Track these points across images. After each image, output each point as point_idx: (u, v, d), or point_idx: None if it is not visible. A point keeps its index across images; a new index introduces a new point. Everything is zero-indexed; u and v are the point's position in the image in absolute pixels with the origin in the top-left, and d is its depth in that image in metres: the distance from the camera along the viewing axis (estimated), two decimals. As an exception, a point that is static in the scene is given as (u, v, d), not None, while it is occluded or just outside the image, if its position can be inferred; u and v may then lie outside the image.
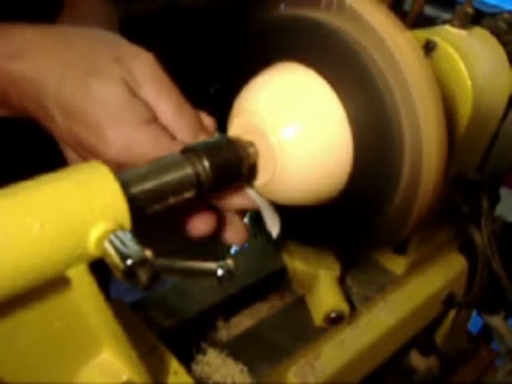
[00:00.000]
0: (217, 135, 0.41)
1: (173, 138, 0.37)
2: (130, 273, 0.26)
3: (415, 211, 0.37)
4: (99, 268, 0.29)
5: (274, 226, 0.42)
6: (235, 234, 0.41)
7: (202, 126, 0.40)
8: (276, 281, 0.58)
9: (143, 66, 0.37)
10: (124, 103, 0.35)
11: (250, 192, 0.40)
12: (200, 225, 0.39)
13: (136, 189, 0.31)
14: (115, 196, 0.28)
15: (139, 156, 0.35)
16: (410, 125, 0.35)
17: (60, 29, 0.39)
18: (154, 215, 0.33)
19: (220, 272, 0.30)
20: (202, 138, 0.39)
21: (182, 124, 0.38)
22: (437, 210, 0.39)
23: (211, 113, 0.42)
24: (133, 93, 0.36)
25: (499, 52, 0.52)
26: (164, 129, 0.37)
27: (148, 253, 0.27)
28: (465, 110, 0.48)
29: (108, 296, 0.74)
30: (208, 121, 0.41)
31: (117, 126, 0.35)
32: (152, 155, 0.34)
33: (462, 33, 0.50)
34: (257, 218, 0.59)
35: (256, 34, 0.43)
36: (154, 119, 0.37)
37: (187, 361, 0.46)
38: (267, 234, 0.43)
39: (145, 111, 0.36)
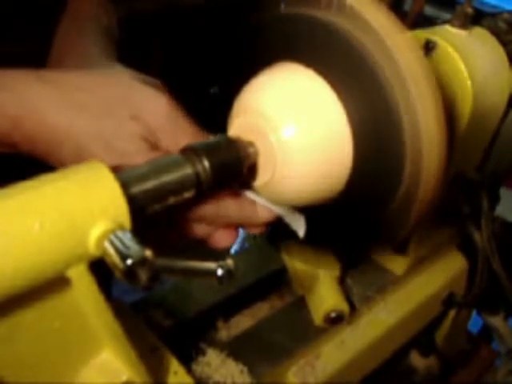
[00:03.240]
0: (217, 135, 0.41)
1: None
2: (130, 273, 0.26)
3: (415, 211, 0.37)
4: (101, 268, 0.29)
5: (299, 227, 0.42)
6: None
7: None
8: (276, 281, 0.58)
9: (159, 115, 0.38)
10: (147, 159, 0.36)
11: (265, 202, 0.40)
12: (224, 238, 0.41)
13: (136, 189, 0.31)
14: (115, 196, 0.28)
15: None
16: (410, 124, 0.35)
17: (68, 82, 0.38)
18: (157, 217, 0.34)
19: (220, 272, 0.30)
20: None
21: None
22: (437, 209, 0.39)
23: (211, 113, 0.42)
24: (154, 146, 0.37)
25: (499, 52, 0.52)
26: None
27: (148, 253, 0.27)
28: (465, 110, 0.48)
29: (110, 296, 0.74)
30: None
31: None
32: None
33: (462, 33, 0.50)
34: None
35: (256, 33, 0.43)
36: None
37: (187, 361, 0.46)
38: (267, 235, 0.43)
39: None
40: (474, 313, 0.78)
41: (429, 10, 2.10)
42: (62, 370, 0.32)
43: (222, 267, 0.30)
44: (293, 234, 0.43)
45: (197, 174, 0.34)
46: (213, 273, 0.30)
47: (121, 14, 0.58)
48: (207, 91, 0.49)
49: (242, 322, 0.54)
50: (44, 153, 0.37)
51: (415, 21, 1.96)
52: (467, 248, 0.65)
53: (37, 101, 0.36)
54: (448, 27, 0.50)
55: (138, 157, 0.36)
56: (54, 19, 0.53)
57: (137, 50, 0.45)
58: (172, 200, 0.34)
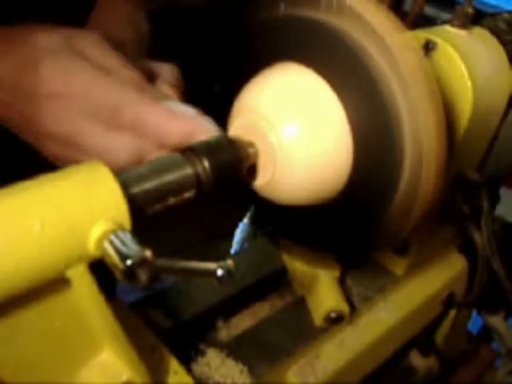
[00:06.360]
0: (217, 135, 0.41)
1: None
2: (129, 273, 0.26)
3: (415, 211, 0.37)
4: (106, 267, 0.29)
5: None
6: None
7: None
8: (276, 281, 0.58)
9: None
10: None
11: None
12: None
13: (136, 189, 0.31)
14: (115, 196, 0.28)
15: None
16: (410, 125, 0.35)
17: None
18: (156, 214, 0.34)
19: (220, 272, 0.30)
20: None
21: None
22: (437, 210, 0.39)
23: (214, 112, 0.42)
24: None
25: (499, 52, 0.52)
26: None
27: (148, 253, 0.27)
28: (465, 110, 0.48)
29: (115, 295, 0.74)
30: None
31: None
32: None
33: (462, 33, 0.50)
34: (256, 219, 0.59)
35: (256, 33, 0.43)
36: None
37: (187, 361, 0.46)
38: (267, 234, 0.42)
39: None
40: (474, 313, 0.78)
41: (429, 10, 2.10)
42: (61, 370, 0.32)
43: (221, 267, 0.30)
44: (292, 234, 0.43)
45: (197, 175, 0.34)
46: (213, 273, 0.30)
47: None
48: (209, 90, 0.49)
49: (242, 321, 0.54)
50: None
51: (415, 21, 1.96)
52: (467, 248, 0.65)
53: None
54: (448, 27, 0.50)
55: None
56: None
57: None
58: (172, 200, 0.34)
